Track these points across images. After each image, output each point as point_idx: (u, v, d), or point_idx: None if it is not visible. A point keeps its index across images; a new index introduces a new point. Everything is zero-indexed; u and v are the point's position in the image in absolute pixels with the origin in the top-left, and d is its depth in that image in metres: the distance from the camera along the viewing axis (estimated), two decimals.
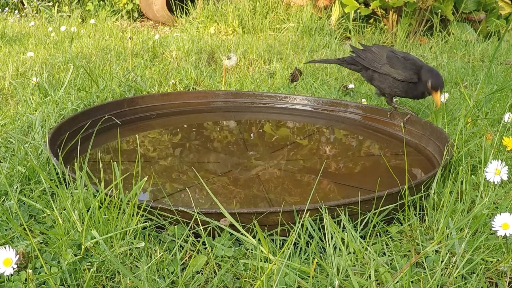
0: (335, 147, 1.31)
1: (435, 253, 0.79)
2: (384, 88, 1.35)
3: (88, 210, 0.81)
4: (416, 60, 1.32)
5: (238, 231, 0.79)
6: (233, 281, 0.74)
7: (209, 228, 0.81)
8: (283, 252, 0.74)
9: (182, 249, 0.80)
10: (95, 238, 0.75)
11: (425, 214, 0.92)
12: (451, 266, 0.75)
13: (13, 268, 0.63)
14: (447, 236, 0.82)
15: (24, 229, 0.83)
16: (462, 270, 0.74)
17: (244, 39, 2.86)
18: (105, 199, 0.80)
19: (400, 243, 0.84)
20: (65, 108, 1.44)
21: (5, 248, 0.64)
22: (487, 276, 0.76)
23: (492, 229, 0.72)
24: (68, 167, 0.95)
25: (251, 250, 0.78)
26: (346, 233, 0.78)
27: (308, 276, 0.72)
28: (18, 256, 0.64)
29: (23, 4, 4.06)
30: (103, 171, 0.86)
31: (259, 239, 0.76)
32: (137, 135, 1.23)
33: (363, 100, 1.63)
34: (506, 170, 0.87)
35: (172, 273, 0.74)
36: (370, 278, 0.71)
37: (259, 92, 1.64)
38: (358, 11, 3.08)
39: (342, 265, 0.73)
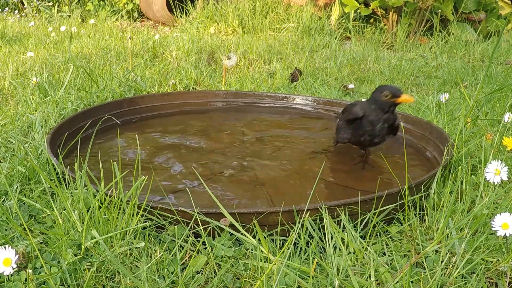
0: (335, 146, 1.31)
1: (435, 253, 0.79)
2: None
3: (88, 210, 0.81)
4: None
5: (238, 231, 0.79)
6: (233, 281, 0.74)
7: (209, 228, 0.81)
8: (283, 252, 0.74)
9: (182, 249, 0.80)
10: (95, 238, 0.75)
11: (425, 214, 0.92)
12: (451, 266, 0.75)
13: (13, 268, 0.63)
14: (447, 236, 0.82)
15: (24, 229, 0.83)
16: (462, 270, 0.74)
17: (244, 39, 2.86)
18: (105, 199, 0.80)
19: (400, 243, 0.84)
20: (65, 108, 1.44)
21: (5, 248, 0.64)
22: (487, 276, 0.76)
23: (492, 229, 0.72)
24: (68, 167, 0.95)
25: (251, 250, 0.78)
26: (346, 233, 0.78)
27: (308, 276, 0.72)
28: (18, 256, 0.64)
29: (23, 4, 4.06)
30: (103, 171, 0.86)
31: (259, 239, 0.75)
32: (137, 135, 1.23)
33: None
34: (506, 170, 0.87)
35: (172, 273, 0.74)
36: (370, 278, 0.71)
37: (259, 92, 1.64)
38: (358, 11, 3.08)
39: (342, 265, 0.73)
